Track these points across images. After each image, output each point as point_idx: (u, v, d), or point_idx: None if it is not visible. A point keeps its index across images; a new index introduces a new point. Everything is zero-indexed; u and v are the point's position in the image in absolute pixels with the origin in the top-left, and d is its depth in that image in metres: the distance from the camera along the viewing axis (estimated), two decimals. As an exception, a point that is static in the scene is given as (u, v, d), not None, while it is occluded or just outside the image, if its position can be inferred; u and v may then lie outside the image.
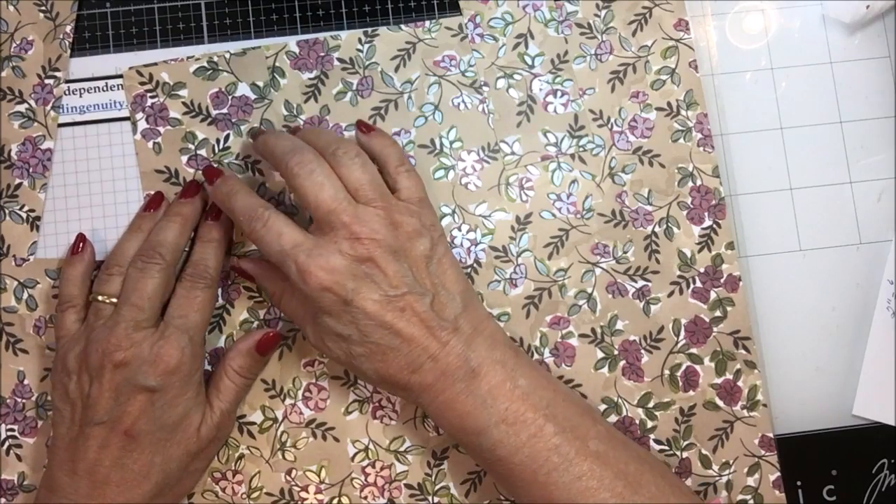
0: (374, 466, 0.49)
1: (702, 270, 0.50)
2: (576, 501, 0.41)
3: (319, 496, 0.49)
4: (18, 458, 0.48)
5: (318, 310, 0.43)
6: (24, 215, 0.49)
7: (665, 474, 0.43)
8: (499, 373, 0.43)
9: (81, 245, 0.48)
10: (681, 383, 0.49)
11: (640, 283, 0.50)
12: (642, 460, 0.43)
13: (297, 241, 0.43)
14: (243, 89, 0.50)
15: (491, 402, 0.42)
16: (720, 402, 0.49)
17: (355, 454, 0.49)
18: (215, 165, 0.49)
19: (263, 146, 0.46)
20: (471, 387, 0.42)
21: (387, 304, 0.42)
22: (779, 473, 0.49)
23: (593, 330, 0.49)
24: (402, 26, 0.51)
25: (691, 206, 0.50)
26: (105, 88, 0.50)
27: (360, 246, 0.43)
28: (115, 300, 0.45)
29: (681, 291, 0.50)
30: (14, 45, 0.50)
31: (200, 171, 0.48)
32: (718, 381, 0.49)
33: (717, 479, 0.49)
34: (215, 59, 0.50)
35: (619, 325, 0.50)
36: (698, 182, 0.50)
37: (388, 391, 0.47)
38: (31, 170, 0.50)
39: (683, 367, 0.49)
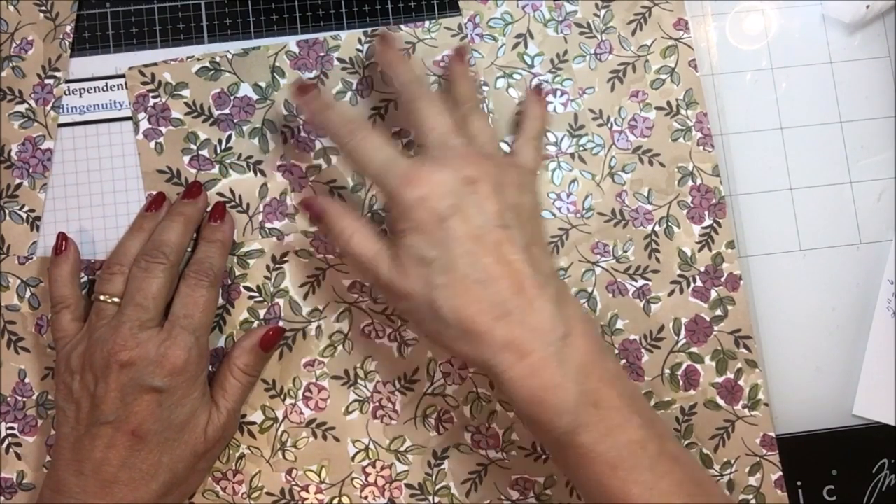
0: (374, 466, 0.49)
1: (702, 269, 0.50)
2: (654, 501, 0.38)
3: (320, 496, 0.49)
4: (18, 456, 0.48)
5: (408, 227, 0.41)
6: (24, 215, 0.49)
7: (720, 487, 0.41)
8: (592, 347, 0.40)
9: (64, 244, 0.47)
10: (681, 382, 0.49)
11: (641, 282, 0.50)
12: (704, 470, 0.41)
13: (398, 155, 0.42)
14: (245, 90, 0.50)
15: (583, 377, 0.39)
16: (721, 402, 0.49)
17: (356, 454, 0.49)
18: (308, 82, 0.47)
19: (388, 68, 0.46)
20: (562, 354, 0.39)
21: (481, 233, 0.40)
22: (780, 473, 0.49)
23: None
24: (402, 26, 0.51)
25: (691, 205, 0.50)
26: (105, 88, 0.50)
27: (469, 166, 0.41)
28: (117, 300, 0.45)
29: (681, 290, 0.50)
30: (14, 45, 0.50)
31: (294, 86, 0.45)
32: (719, 380, 0.49)
33: (719, 478, 0.49)
34: (217, 59, 0.50)
35: (620, 324, 0.50)
36: (698, 181, 0.50)
37: (463, 347, 0.40)
38: (31, 170, 0.50)
39: (684, 367, 0.49)
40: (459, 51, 0.49)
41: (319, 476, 0.49)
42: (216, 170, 0.50)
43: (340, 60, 0.51)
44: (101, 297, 0.45)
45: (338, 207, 0.45)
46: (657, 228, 0.50)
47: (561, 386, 0.39)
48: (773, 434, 0.49)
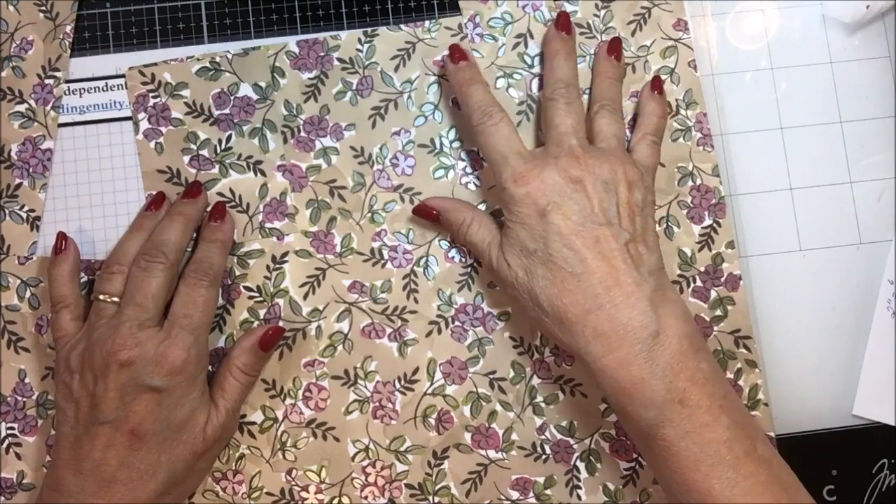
0: (374, 466, 0.49)
1: (702, 269, 0.50)
2: (736, 501, 0.39)
3: (320, 496, 0.49)
4: (18, 456, 0.48)
5: (513, 220, 0.44)
6: (24, 215, 0.49)
7: (810, 496, 0.41)
8: (684, 347, 0.41)
9: (64, 243, 0.47)
10: (681, 383, 0.49)
11: (641, 282, 0.50)
12: (794, 476, 0.41)
13: (521, 147, 0.45)
14: (245, 90, 0.50)
15: (671, 376, 0.40)
16: (720, 402, 0.49)
17: (355, 454, 0.49)
18: (464, 49, 0.49)
19: (549, 57, 0.48)
20: (652, 352, 0.40)
21: (581, 228, 0.42)
22: (779, 473, 0.49)
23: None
24: (402, 26, 0.51)
25: (691, 206, 0.50)
26: (105, 88, 0.50)
27: (577, 167, 0.43)
28: (116, 299, 0.45)
29: (681, 290, 0.50)
30: (14, 45, 0.50)
31: (447, 51, 0.49)
32: (719, 380, 0.49)
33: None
34: (217, 59, 0.50)
35: (620, 324, 0.50)
36: (698, 181, 0.50)
37: (560, 335, 0.43)
38: (31, 170, 0.50)
39: (684, 367, 0.49)
40: (611, 46, 0.50)
41: (319, 476, 0.49)
42: (216, 170, 0.50)
43: (340, 60, 0.51)
44: (101, 297, 0.45)
45: (452, 202, 0.49)
46: (657, 228, 0.50)
47: (648, 382, 0.40)
48: (773, 434, 0.49)
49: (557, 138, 0.45)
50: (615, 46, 0.50)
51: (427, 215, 0.49)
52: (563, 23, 0.49)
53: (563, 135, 0.45)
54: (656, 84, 0.50)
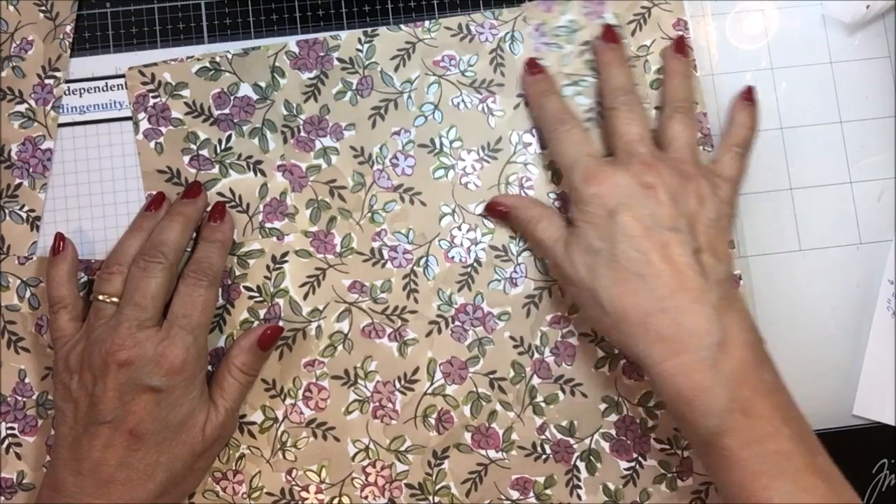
0: (374, 466, 0.49)
1: (702, 270, 0.50)
2: None
3: (320, 496, 0.49)
4: (18, 456, 0.48)
5: (581, 220, 0.44)
6: (24, 215, 0.49)
7: None
8: (748, 357, 0.40)
9: (62, 244, 0.47)
10: (681, 383, 0.49)
11: (641, 282, 0.50)
12: (852, 490, 0.40)
13: (593, 151, 0.46)
14: (245, 90, 0.50)
15: (734, 385, 0.40)
16: (720, 402, 0.49)
17: (356, 454, 0.49)
18: (540, 63, 0.50)
19: (603, 68, 0.49)
20: (715, 360, 0.40)
21: (649, 231, 0.42)
22: (779, 473, 0.49)
23: (594, 329, 0.49)
24: (402, 26, 0.51)
25: (691, 206, 0.50)
26: (105, 88, 0.50)
27: (649, 173, 0.43)
28: (115, 300, 0.45)
29: (681, 291, 0.50)
30: (14, 45, 0.50)
31: (525, 63, 0.50)
32: (719, 380, 0.49)
33: (718, 478, 0.49)
34: (217, 59, 0.50)
35: (620, 324, 0.50)
36: (698, 181, 0.50)
37: (618, 336, 0.43)
38: (31, 170, 0.50)
39: (684, 367, 0.49)
40: (678, 44, 0.50)
41: (319, 476, 0.49)
42: (216, 170, 0.50)
43: (340, 60, 0.51)
44: (100, 297, 0.45)
45: (522, 200, 0.49)
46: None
47: (710, 390, 0.40)
48: (773, 434, 0.49)
49: (626, 147, 0.45)
50: (681, 44, 0.50)
51: (496, 214, 0.49)
52: (609, 35, 0.49)
53: (630, 143, 0.45)
54: (748, 94, 0.49)
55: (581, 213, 0.44)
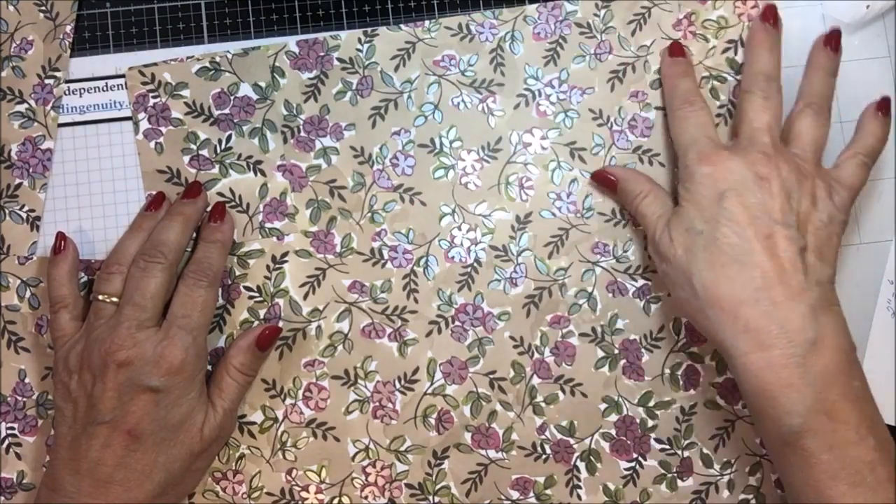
0: (374, 466, 0.49)
1: (702, 270, 0.50)
2: None
3: (320, 496, 0.49)
4: (18, 456, 0.48)
5: (688, 198, 0.44)
6: (24, 215, 0.49)
7: None
8: (840, 360, 0.40)
9: (62, 244, 0.47)
10: (682, 382, 0.49)
11: (641, 282, 0.50)
12: None
13: (713, 134, 0.45)
14: (245, 90, 0.50)
15: (822, 387, 0.39)
16: (721, 401, 0.49)
17: (356, 454, 0.49)
18: (683, 46, 0.50)
19: (752, 48, 0.48)
20: (806, 358, 0.39)
21: (755, 221, 0.42)
22: (779, 472, 0.49)
23: (594, 329, 0.49)
24: (402, 26, 0.51)
25: (692, 206, 0.50)
26: (105, 88, 0.50)
27: (766, 165, 0.43)
28: (115, 299, 0.45)
29: (681, 291, 0.50)
30: (14, 45, 0.50)
31: (667, 48, 0.50)
32: (719, 379, 0.49)
33: (719, 478, 0.49)
34: (217, 59, 0.50)
35: (620, 323, 0.50)
36: (699, 181, 0.50)
37: (705, 321, 0.42)
38: (31, 170, 0.50)
39: (684, 366, 0.49)
40: (829, 37, 0.48)
41: (319, 476, 0.49)
42: (216, 170, 0.50)
43: (340, 60, 0.51)
44: (100, 297, 0.45)
45: (632, 172, 0.49)
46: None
47: (797, 388, 0.39)
48: (773, 434, 0.49)
49: (750, 134, 0.45)
50: (834, 37, 0.48)
51: (605, 182, 0.49)
52: (768, 14, 0.48)
53: (756, 131, 0.45)
54: (883, 105, 0.48)
55: (688, 191, 0.44)
